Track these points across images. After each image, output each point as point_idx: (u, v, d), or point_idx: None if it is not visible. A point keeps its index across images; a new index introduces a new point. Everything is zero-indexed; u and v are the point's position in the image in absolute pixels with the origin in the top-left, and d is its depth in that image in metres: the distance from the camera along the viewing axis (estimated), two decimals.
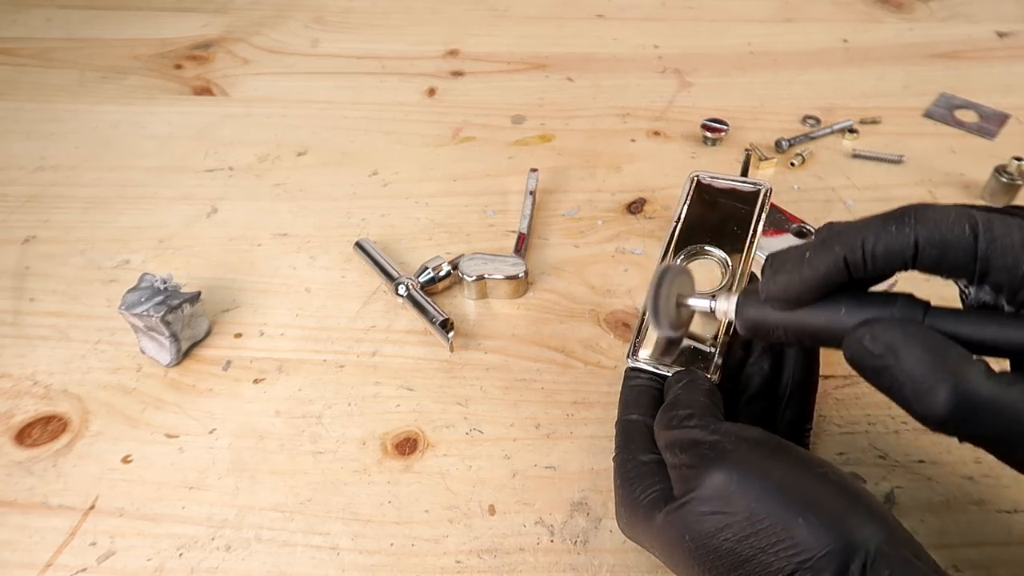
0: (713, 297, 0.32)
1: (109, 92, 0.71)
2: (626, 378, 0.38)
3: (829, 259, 0.28)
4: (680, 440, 0.31)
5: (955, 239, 0.26)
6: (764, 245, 0.49)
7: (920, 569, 0.26)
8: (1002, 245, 0.25)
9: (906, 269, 0.27)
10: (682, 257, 0.40)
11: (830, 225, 0.29)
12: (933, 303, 0.27)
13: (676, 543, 0.30)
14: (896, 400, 0.26)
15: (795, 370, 0.36)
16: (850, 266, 0.27)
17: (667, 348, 0.37)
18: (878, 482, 0.40)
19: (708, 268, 0.41)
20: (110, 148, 0.65)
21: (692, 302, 0.33)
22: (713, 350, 0.37)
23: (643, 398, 0.36)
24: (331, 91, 0.71)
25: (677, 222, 0.42)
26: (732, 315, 0.31)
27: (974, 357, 0.25)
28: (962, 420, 0.24)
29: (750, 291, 0.31)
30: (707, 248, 0.41)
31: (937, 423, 0.25)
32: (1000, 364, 0.26)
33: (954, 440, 0.28)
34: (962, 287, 0.28)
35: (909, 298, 0.28)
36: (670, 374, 0.37)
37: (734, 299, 0.31)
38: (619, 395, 0.37)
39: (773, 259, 0.30)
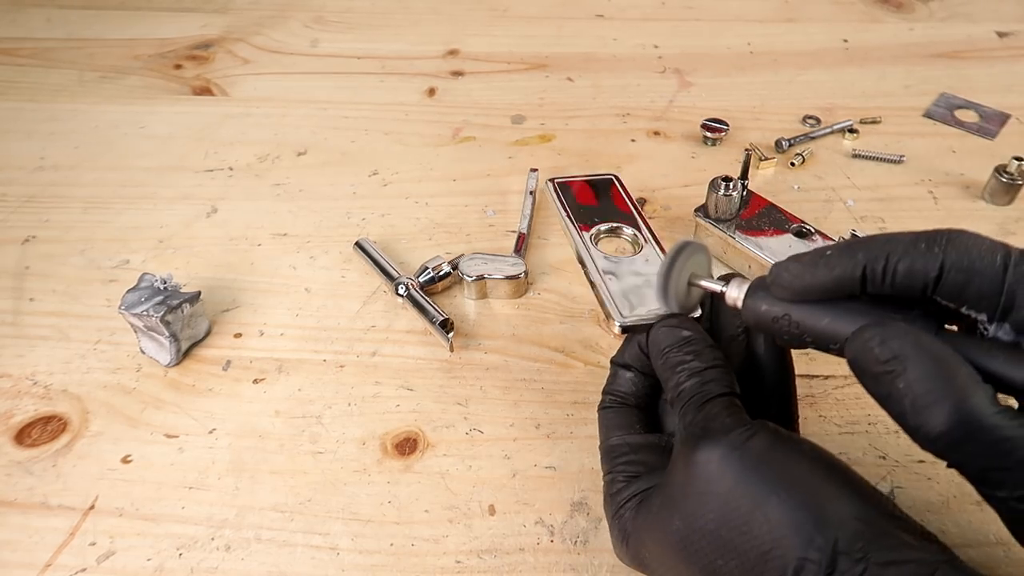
0: (726, 281, 0.31)
1: (109, 92, 0.71)
2: (600, 406, 0.37)
3: (848, 264, 0.27)
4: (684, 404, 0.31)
5: (984, 268, 0.25)
6: (765, 246, 0.49)
7: (902, 541, 0.25)
8: None
9: (924, 295, 0.26)
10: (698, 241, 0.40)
11: (860, 237, 0.28)
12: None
13: (668, 532, 0.29)
14: (891, 410, 0.25)
15: (771, 372, 0.35)
16: (868, 276, 0.27)
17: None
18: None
19: (621, 244, 0.47)
20: (110, 148, 0.65)
21: (705, 283, 0.32)
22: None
23: (619, 419, 0.36)
24: (331, 91, 0.71)
25: (569, 218, 0.48)
26: (741, 302, 0.30)
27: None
28: (957, 442, 0.23)
29: (763, 282, 0.30)
30: (617, 226, 0.46)
31: (930, 440, 0.24)
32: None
33: None
34: (981, 324, 0.26)
35: (923, 313, 0.27)
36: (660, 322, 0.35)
37: (745, 285, 0.31)
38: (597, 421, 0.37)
39: (796, 255, 0.29)
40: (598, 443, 0.37)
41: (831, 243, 0.29)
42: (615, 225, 0.49)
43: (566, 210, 0.50)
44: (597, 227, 0.47)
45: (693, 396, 0.31)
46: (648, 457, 0.34)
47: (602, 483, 0.35)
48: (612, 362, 0.38)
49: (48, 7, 0.83)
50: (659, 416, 0.37)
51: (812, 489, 0.26)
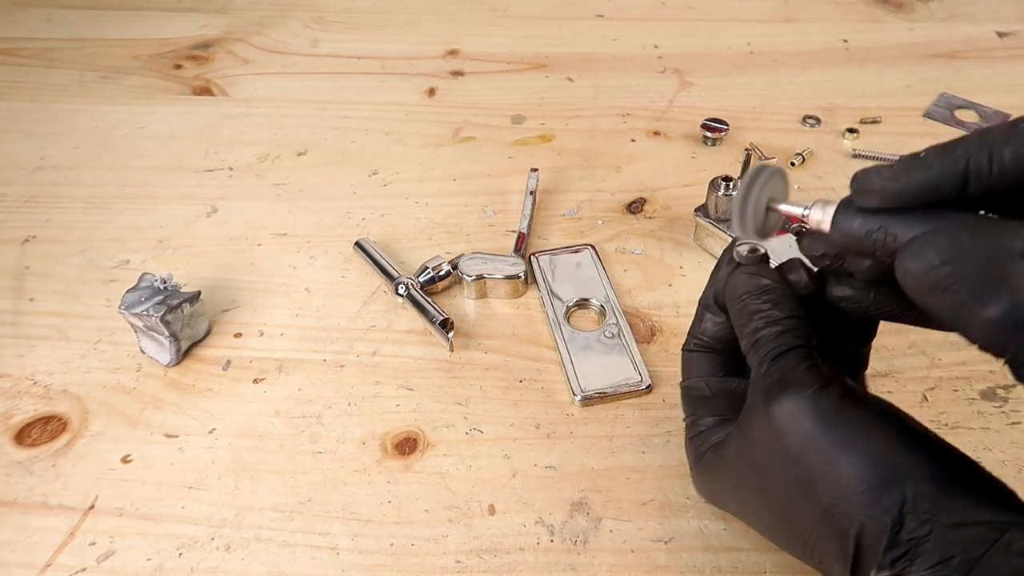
0: (808, 206, 0.29)
1: (109, 92, 0.71)
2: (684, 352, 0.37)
3: (948, 160, 0.25)
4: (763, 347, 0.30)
5: None
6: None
7: (975, 503, 0.24)
8: None
9: None
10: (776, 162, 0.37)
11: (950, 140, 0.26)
12: None
13: (744, 479, 0.29)
14: (945, 307, 0.23)
15: (849, 322, 0.33)
16: (971, 171, 0.24)
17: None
18: None
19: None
20: (110, 148, 0.65)
21: (784, 208, 0.30)
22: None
23: (702, 363, 0.35)
24: (331, 91, 0.71)
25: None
26: (828, 224, 0.28)
27: None
28: (1013, 328, 0.22)
29: (849, 202, 0.28)
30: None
31: (988, 328, 0.22)
32: None
33: (954, 440, 0.28)
34: None
35: None
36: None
37: (832, 207, 0.28)
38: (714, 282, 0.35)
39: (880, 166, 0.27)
40: (680, 382, 0.36)
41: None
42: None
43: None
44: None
45: (769, 346, 0.30)
46: (729, 401, 0.34)
47: (683, 426, 0.36)
48: (699, 303, 0.36)
49: (48, 7, 0.83)
50: (742, 359, 0.35)
51: (883, 448, 0.26)
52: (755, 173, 0.30)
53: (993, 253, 0.23)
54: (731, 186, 0.49)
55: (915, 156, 0.26)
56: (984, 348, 0.23)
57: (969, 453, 0.27)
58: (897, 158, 0.27)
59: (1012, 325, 0.22)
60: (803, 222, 0.29)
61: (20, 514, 0.40)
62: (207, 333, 0.49)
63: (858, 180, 0.27)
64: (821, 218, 0.28)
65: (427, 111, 0.68)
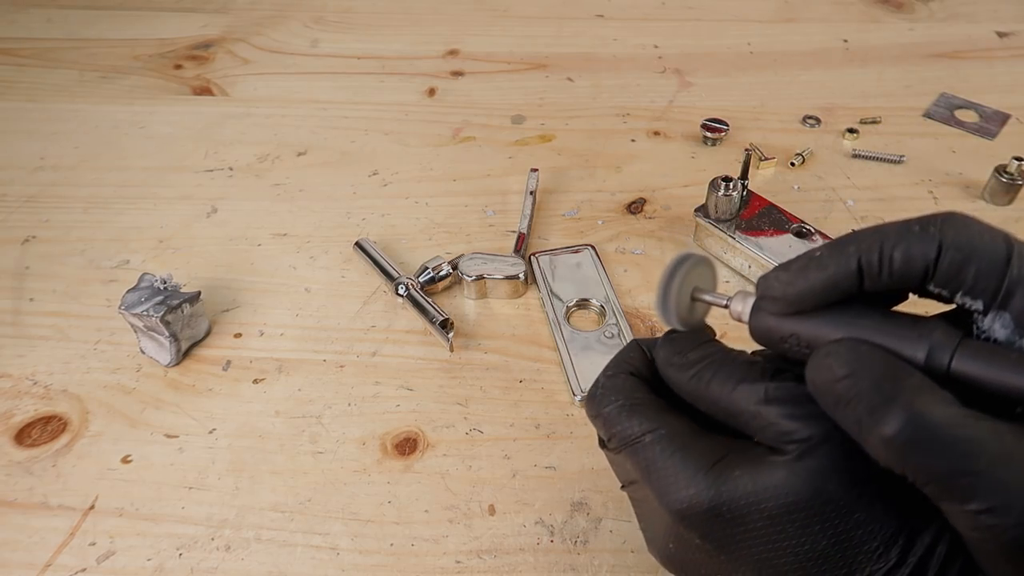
0: (730, 297, 0.29)
1: (109, 92, 0.71)
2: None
3: (840, 259, 0.25)
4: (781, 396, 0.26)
5: (983, 246, 0.23)
6: (765, 246, 0.49)
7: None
8: None
9: (923, 284, 0.24)
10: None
11: (848, 233, 0.26)
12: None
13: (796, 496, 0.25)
14: (848, 423, 0.23)
15: None
16: (864, 270, 0.25)
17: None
18: None
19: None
20: (110, 148, 0.65)
21: (708, 297, 0.30)
22: None
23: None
24: (331, 91, 0.71)
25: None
26: (747, 317, 0.28)
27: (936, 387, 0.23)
28: (913, 444, 0.21)
29: None
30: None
31: (886, 444, 0.22)
32: None
33: None
34: (976, 315, 0.24)
35: (943, 319, 0.25)
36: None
37: (751, 301, 0.28)
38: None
39: (783, 264, 0.27)
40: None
41: (817, 245, 0.26)
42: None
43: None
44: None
45: None
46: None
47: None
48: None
49: (48, 7, 0.83)
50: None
51: (901, 493, 0.24)
52: (678, 262, 0.29)
53: (888, 368, 0.23)
54: (731, 186, 0.49)
55: (810, 256, 0.26)
56: (886, 465, 0.23)
57: None
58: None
59: (905, 443, 0.22)
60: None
61: (20, 514, 0.40)
62: (207, 333, 0.49)
63: (760, 286, 0.27)
64: (741, 310, 0.28)
65: (427, 111, 0.68)
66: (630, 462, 0.28)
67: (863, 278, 0.25)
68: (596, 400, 0.30)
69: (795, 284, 0.26)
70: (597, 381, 0.30)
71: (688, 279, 0.29)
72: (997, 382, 0.23)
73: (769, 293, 0.26)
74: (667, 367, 0.29)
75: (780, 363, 0.28)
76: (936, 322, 0.25)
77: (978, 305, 0.24)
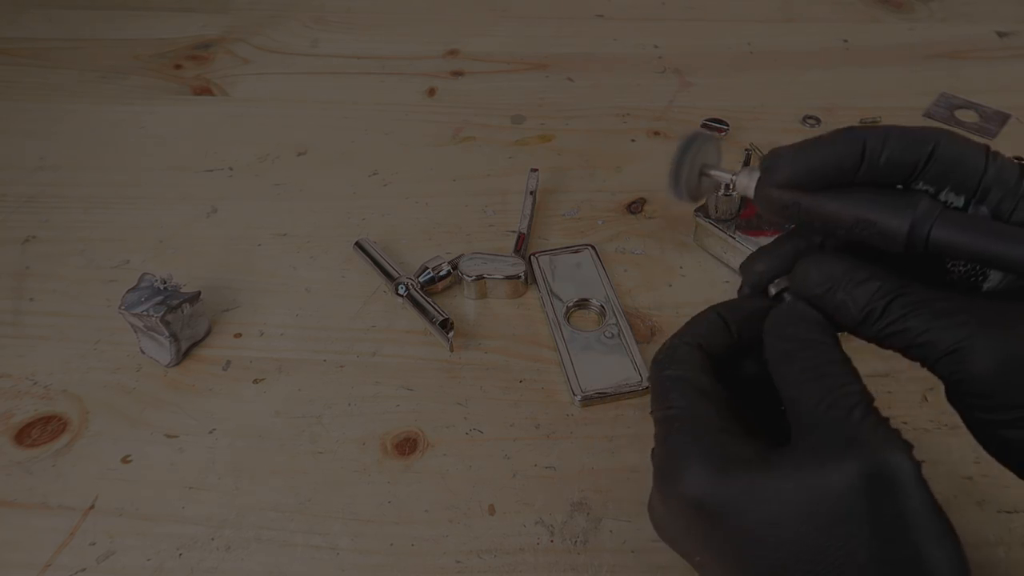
0: (736, 172, 0.32)
1: (109, 92, 0.71)
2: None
3: (849, 140, 0.27)
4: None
5: (968, 153, 0.27)
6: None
7: None
8: (1008, 165, 0.27)
9: (915, 174, 0.27)
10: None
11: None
12: None
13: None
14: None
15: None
16: (866, 155, 0.27)
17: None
18: None
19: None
20: (110, 148, 0.65)
21: (715, 172, 0.32)
22: None
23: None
24: (331, 91, 0.71)
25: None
26: (752, 191, 0.30)
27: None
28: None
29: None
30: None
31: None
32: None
33: (954, 440, 0.28)
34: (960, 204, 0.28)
35: (927, 193, 0.28)
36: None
37: (756, 174, 0.30)
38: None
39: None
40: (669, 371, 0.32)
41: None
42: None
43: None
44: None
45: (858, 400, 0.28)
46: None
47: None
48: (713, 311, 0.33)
49: (49, 7, 0.83)
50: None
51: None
52: (689, 139, 0.32)
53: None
54: (731, 187, 0.49)
55: (818, 137, 0.28)
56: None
57: (969, 453, 0.27)
58: None
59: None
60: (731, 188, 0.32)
61: (20, 514, 0.40)
62: (207, 333, 0.49)
63: (769, 158, 0.29)
64: (747, 183, 0.30)
65: (427, 111, 0.68)
66: (655, 429, 0.29)
67: (863, 162, 0.27)
68: (654, 363, 0.31)
69: (802, 158, 0.28)
70: (664, 344, 0.31)
71: (697, 157, 0.32)
72: (972, 248, 0.26)
73: (778, 164, 0.29)
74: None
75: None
76: (922, 194, 0.28)
77: (959, 201, 0.28)
